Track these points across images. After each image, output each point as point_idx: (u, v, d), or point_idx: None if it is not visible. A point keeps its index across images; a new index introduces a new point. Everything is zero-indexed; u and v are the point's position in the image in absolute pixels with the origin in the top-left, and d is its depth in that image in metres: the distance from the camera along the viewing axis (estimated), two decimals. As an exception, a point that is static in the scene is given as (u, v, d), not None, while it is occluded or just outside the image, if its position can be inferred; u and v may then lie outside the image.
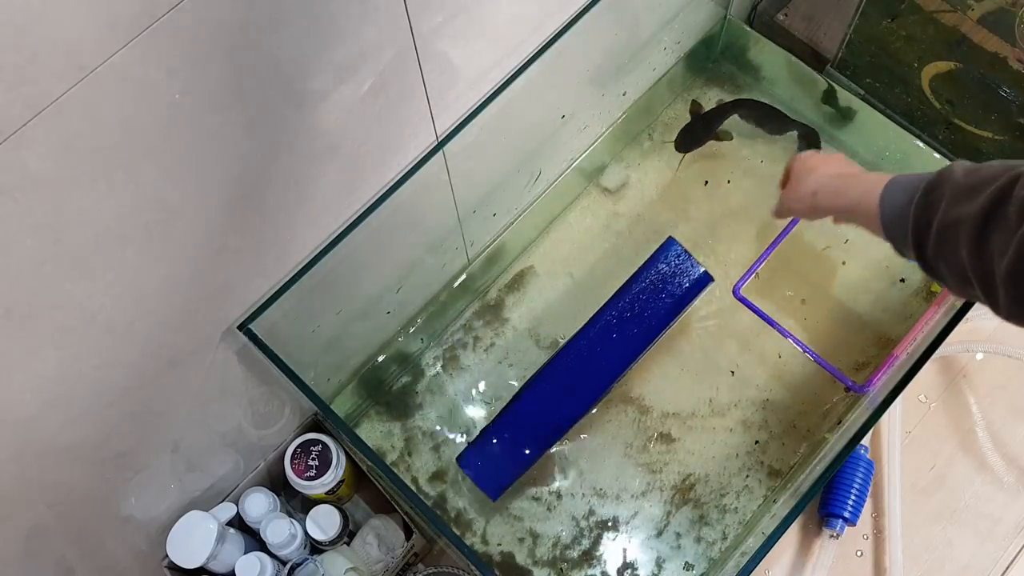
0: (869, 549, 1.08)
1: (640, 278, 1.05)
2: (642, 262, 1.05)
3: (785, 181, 0.89)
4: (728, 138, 1.21)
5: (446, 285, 1.16)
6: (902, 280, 1.16)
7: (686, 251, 1.05)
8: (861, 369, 1.12)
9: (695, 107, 1.24)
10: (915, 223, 0.64)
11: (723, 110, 1.22)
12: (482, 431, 1.04)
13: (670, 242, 1.06)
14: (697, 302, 1.15)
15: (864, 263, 1.17)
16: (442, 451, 1.11)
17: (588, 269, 1.19)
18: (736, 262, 1.17)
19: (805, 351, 1.02)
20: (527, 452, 1.03)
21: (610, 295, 1.06)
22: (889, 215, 0.69)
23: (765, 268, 1.16)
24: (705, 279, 1.04)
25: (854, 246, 1.17)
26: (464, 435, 1.12)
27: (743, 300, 1.04)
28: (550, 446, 1.06)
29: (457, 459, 1.04)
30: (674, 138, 1.21)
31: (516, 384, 1.13)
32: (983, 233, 0.58)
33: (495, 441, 1.03)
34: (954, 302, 1.01)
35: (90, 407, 0.74)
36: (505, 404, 1.05)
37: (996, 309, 0.59)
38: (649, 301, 1.04)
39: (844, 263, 1.17)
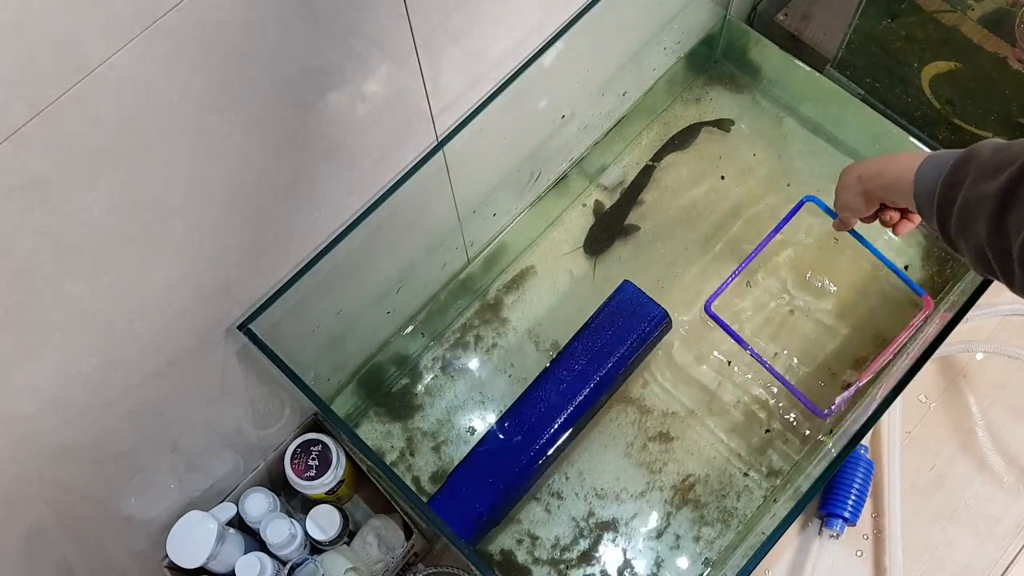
0: (869, 549, 1.08)
1: (597, 322, 1.07)
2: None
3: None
4: (636, 230, 1.20)
5: (446, 285, 1.16)
6: (906, 267, 1.16)
7: (641, 291, 1.07)
8: (861, 364, 1.12)
9: (598, 207, 1.22)
10: (940, 199, 0.66)
11: (625, 201, 1.21)
12: (450, 474, 1.04)
13: (625, 284, 1.08)
14: (691, 310, 1.16)
15: (860, 261, 1.17)
16: (442, 451, 1.11)
17: (588, 269, 1.19)
18: (736, 258, 1.17)
19: (773, 374, 1.00)
20: (499, 489, 1.03)
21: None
22: (920, 192, 0.70)
23: (759, 274, 1.16)
24: (662, 318, 1.06)
25: (848, 243, 1.18)
26: (468, 433, 1.12)
27: (713, 316, 1.02)
28: (520, 491, 1.06)
29: (429, 502, 1.03)
30: (582, 243, 1.20)
31: (516, 385, 1.13)
32: (1002, 211, 0.59)
33: (463, 485, 1.03)
34: (948, 310, 1.01)
35: (90, 407, 0.74)
36: (472, 447, 1.05)
37: (1012, 286, 0.61)
38: (609, 344, 1.06)
39: (836, 261, 1.17)
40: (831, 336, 1.14)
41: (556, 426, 1.03)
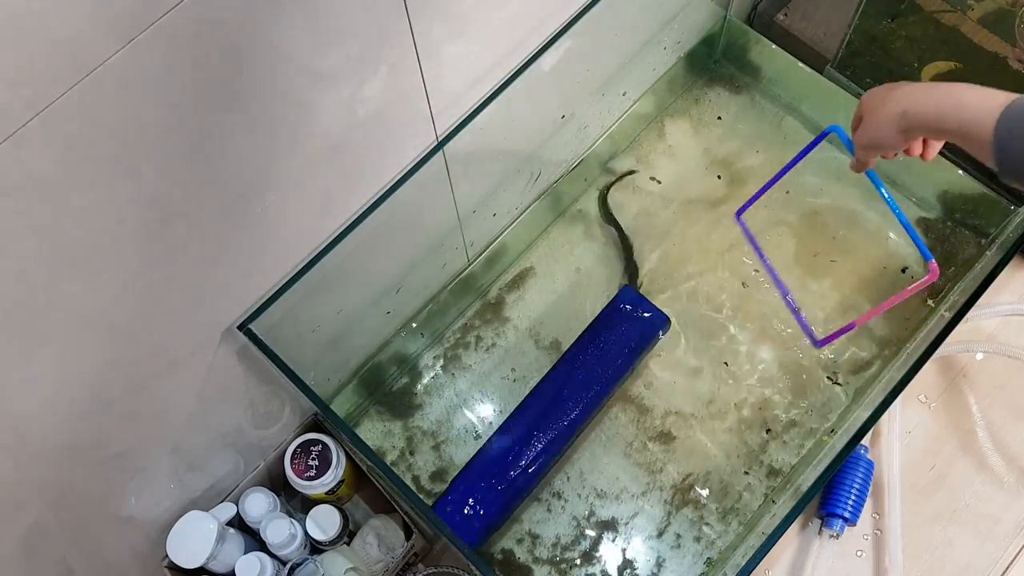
0: (869, 549, 1.08)
1: (598, 327, 1.07)
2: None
3: (857, 123, 0.78)
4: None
5: (446, 285, 1.16)
6: (904, 269, 1.16)
7: (641, 296, 1.07)
8: (863, 369, 1.12)
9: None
10: None
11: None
12: (453, 479, 1.04)
13: (625, 290, 1.08)
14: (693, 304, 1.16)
15: (858, 262, 1.17)
16: (442, 451, 1.11)
17: (589, 269, 1.19)
18: (742, 250, 1.17)
19: (781, 291, 0.93)
20: (503, 493, 1.02)
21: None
22: (1007, 147, 0.60)
23: (765, 269, 1.16)
24: (663, 322, 1.06)
25: (846, 243, 1.18)
26: (468, 433, 1.11)
27: (742, 225, 1.01)
28: (523, 495, 1.05)
29: (433, 506, 1.03)
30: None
31: (516, 384, 1.13)
32: None
33: (467, 488, 1.02)
34: (948, 310, 1.00)
35: (90, 407, 0.74)
36: (475, 451, 1.05)
37: None
38: (610, 349, 1.06)
39: (834, 261, 1.17)
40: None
41: (558, 432, 1.03)
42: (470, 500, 1.01)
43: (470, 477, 1.02)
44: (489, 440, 1.04)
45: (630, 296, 1.07)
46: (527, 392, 1.07)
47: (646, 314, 1.06)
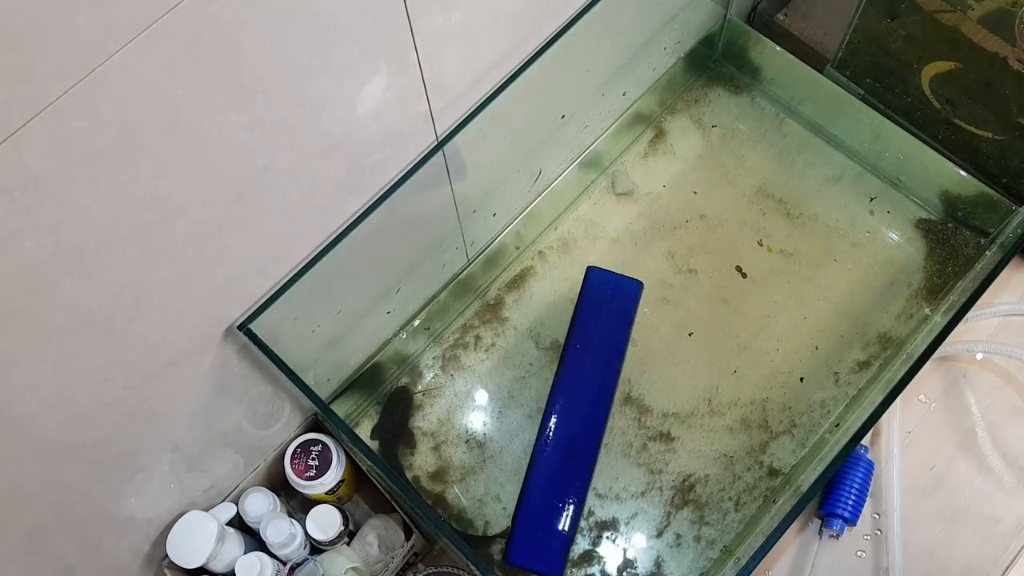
0: (869, 549, 1.08)
1: (584, 315, 1.07)
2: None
3: None
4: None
5: (446, 285, 1.16)
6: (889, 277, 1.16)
7: (610, 271, 1.07)
8: (863, 369, 1.12)
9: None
10: None
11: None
12: (513, 519, 1.02)
13: (592, 271, 1.08)
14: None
15: (861, 263, 1.17)
16: (442, 451, 1.11)
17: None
18: (749, 244, 1.18)
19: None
20: (566, 516, 1.02)
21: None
22: None
23: (765, 269, 1.16)
24: (639, 288, 1.07)
25: (847, 245, 1.18)
26: (468, 435, 1.12)
27: None
28: (582, 504, 1.05)
29: (505, 559, 1.01)
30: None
31: (516, 384, 1.13)
32: None
33: (532, 522, 1.01)
34: (948, 310, 1.00)
35: (89, 407, 0.74)
36: (522, 486, 1.04)
37: None
38: (602, 331, 1.05)
39: (836, 260, 1.17)
40: (836, 328, 1.14)
41: (595, 424, 1.03)
42: (543, 529, 1.01)
43: (532, 507, 1.02)
44: (534, 461, 1.03)
45: (600, 276, 1.07)
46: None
47: (622, 287, 1.06)
